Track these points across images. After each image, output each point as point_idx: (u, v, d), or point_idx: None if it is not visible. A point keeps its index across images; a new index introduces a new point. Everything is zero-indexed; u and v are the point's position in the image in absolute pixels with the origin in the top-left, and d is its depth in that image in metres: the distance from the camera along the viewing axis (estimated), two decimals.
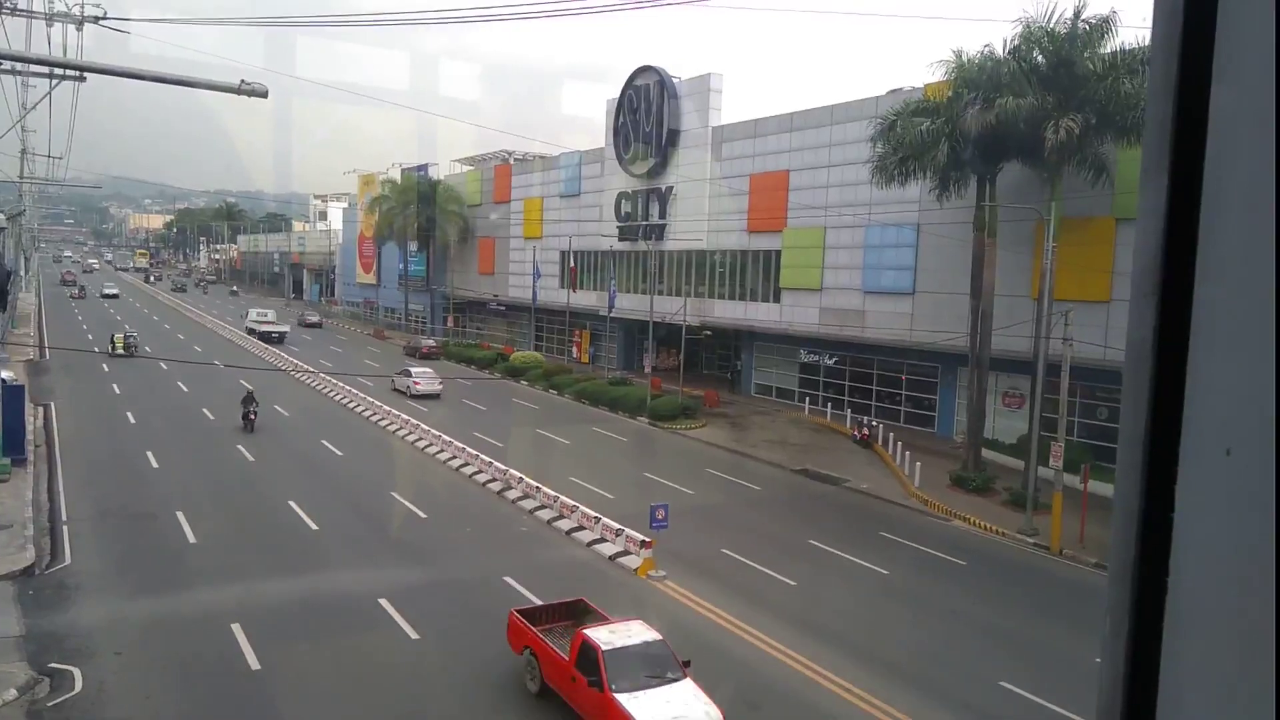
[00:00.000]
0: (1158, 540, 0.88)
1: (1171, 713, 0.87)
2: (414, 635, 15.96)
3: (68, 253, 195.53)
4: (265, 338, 59.48)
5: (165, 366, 44.75)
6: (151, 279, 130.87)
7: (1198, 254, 0.85)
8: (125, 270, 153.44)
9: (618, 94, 48.61)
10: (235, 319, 70.47)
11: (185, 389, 40.60)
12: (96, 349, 48.60)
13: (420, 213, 63.86)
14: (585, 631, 13.28)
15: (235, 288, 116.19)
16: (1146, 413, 0.90)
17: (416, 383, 41.74)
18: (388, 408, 36.10)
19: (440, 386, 42.21)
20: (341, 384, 42.01)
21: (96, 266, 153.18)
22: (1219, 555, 0.82)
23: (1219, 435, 0.82)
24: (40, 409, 33.29)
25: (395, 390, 42.20)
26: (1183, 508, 0.86)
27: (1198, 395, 0.85)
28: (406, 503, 24.39)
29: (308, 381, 45.01)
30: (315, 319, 74.62)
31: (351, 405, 38.70)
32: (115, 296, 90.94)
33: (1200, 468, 0.84)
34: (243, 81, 10.62)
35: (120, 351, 47.45)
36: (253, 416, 32.16)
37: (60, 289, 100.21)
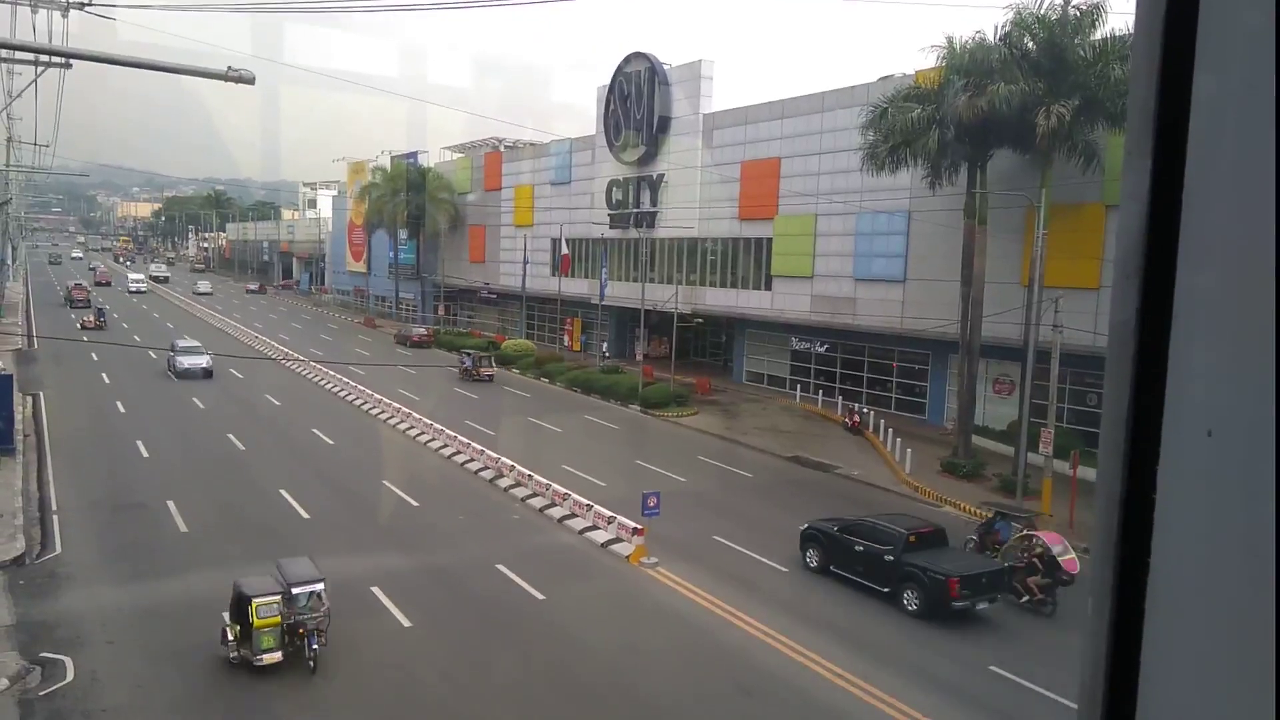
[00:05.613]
0: (1140, 521, 0.89)
1: (1153, 692, 0.88)
2: (406, 623, 15.99)
3: (76, 253, 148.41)
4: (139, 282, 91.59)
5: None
6: (118, 258, 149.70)
7: (1180, 237, 0.86)
8: (96, 252, 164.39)
9: (608, 81, 48.40)
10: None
11: (175, 385, 40.41)
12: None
13: (410, 200, 63.53)
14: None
15: (133, 259, 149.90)
16: (1129, 394, 0.91)
17: (197, 289, 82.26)
18: (378, 395, 36.03)
19: (211, 290, 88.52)
20: (334, 373, 41.94)
21: (141, 286, 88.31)
22: (1199, 536, 0.83)
23: (1200, 417, 0.82)
24: (29, 398, 33.17)
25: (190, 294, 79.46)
26: (1164, 489, 0.87)
27: (1179, 377, 0.85)
28: (398, 491, 24.38)
29: (300, 370, 44.88)
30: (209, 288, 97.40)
31: (343, 394, 38.62)
32: (209, 374, 41.09)
33: (1182, 449, 0.85)
34: (230, 68, 10.54)
35: (267, 650, 13.95)
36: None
37: (63, 312, 64.38)
